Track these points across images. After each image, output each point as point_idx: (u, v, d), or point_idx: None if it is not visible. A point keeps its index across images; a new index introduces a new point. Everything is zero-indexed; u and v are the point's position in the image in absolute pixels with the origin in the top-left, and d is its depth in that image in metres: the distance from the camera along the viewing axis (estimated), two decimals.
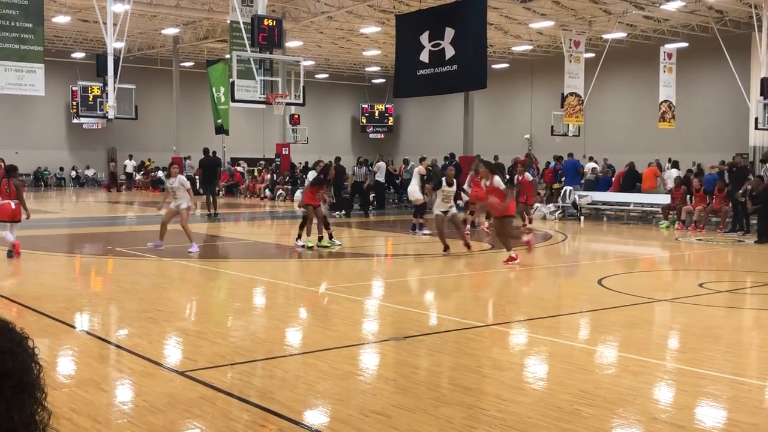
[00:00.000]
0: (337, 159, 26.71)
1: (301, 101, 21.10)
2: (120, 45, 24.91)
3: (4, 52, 23.49)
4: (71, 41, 39.79)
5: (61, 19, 32.28)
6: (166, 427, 4.86)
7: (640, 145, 34.48)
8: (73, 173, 44.68)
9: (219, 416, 5.07)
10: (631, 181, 24.41)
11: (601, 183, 25.11)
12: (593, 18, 30.56)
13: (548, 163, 29.72)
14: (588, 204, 23.60)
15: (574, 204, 23.62)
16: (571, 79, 28.43)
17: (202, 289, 11.24)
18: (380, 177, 27.90)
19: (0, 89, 23.81)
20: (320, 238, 15.21)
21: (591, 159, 29.25)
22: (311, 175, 17.14)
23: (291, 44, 34.54)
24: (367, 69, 49.24)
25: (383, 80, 50.74)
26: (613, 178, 25.59)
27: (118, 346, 7.27)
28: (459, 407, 5.29)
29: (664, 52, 29.30)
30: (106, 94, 24.06)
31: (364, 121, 52.01)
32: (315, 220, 15.04)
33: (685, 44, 31.88)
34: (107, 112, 24.00)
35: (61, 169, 44.32)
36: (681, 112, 30.49)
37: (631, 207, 23.01)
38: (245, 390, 5.71)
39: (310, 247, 14.93)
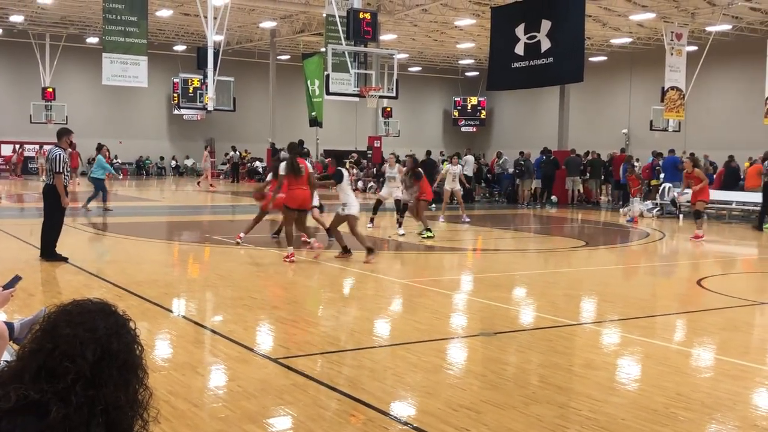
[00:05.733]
0: (428, 153, 26.72)
1: (393, 94, 21.22)
2: (219, 38, 25.59)
3: (110, 45, 24.43)
4: (173, 34, 41.06)
5: (164, 13, 33.36)
6: (259, 412, 4.96)
7: (743, 141, 33.16)
8: (173, 163, 46.14)
9: (310, 404, 5.15)
10: (733, 178, 23.49)
11: None
12: (696, 10, 29.50)
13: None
14: (687, 202, 22.82)
15: (672, 201, 22.90)
16: (672, 72, 27.58)
17: (294, 278, 11.43)
18: (468, 171, 27.81)
19: (106, 80, 24.81)
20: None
21: (692, 155, 28.32)
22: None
23: (385, 37, 34.70)
24: (460, 62, 48.95)
25: (476, 73, 50.36)
26: (715, 176, 24.70)
27: (213, 332, 7.47)
28: (550, 405, 5.21)
29: None
30: (206, 86, 24.76)
31: (456, 114, 51.77)
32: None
33: None
34: (207, 104, 24.71)
35: (162, 158, 45.84)
36: None
37: (733, 206, 22.15)
38: (335, 379, 5.77)
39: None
